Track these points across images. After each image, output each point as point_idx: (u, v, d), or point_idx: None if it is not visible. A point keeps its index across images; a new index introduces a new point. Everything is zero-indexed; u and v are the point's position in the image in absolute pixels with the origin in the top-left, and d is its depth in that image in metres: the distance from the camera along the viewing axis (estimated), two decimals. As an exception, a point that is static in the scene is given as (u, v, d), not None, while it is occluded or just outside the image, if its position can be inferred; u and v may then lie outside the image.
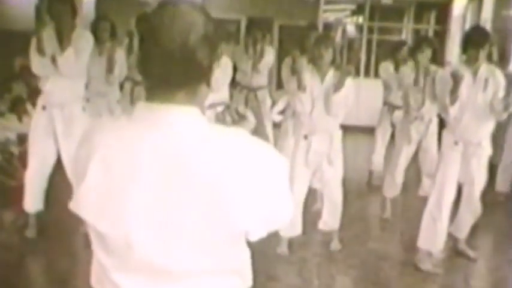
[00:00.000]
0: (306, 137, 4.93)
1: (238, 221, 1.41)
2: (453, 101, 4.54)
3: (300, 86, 4.81)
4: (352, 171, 7.81)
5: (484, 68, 4.64)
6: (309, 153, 4.91)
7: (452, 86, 4.50)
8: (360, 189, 7.19)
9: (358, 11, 12.79)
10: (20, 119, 7.22)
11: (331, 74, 4.80)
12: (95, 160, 1.44)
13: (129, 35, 7.13)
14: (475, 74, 4.62)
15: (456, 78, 4.48)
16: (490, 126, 4.76)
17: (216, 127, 1.50)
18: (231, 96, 7.17)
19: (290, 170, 4.99)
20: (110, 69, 5.78)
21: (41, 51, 4.65)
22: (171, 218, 1.40)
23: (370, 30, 12.61)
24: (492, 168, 6.76)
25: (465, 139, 4.72)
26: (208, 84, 1.52)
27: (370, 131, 7.84)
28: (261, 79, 7.13)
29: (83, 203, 1.46)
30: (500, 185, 7.00)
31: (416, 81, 5.74)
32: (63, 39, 4.71)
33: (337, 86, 4.72)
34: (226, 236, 1.43)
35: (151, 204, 1.39)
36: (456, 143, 4.72)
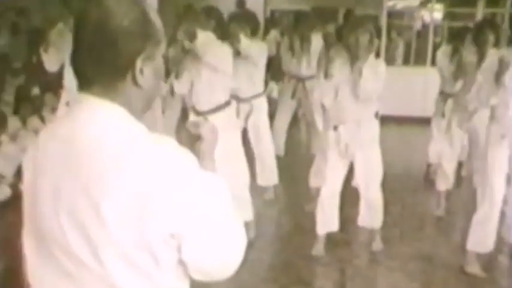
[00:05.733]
0: (335, 127, 4.60)
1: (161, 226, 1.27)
2: (498, 88, 4.13)
3: (326, 74, 4.51)
4: (408, 164, 7.44)
5: None
6: (340, 145, 4.58)
7: (497, 72, 4.10)
8: (415, 184, 6.70)
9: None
10: None
11: (364, 60, 4.45)
12: (25, 162, 1.43)
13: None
14: None
15: (502, 64, 4.08)
16: None
17: (138, 130, 1.33)
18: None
19: (324, 163, 4.77)
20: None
21: (45, 49, 4.69)
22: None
23: (443, 17, 11.95)
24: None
25: None
26: (135, 82, 1.33)
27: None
28: (310, 69, 6.82)
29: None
30: None
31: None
32: None
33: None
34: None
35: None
36: (503, 136, 4.26)
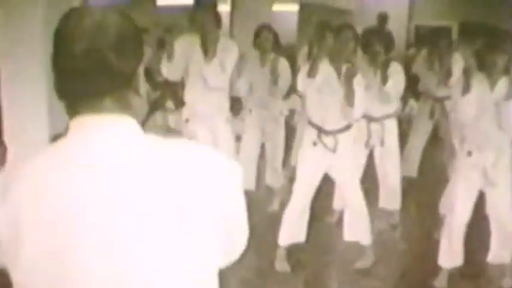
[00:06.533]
0: (469, 153, 4.30)
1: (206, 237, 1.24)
2: None
3: (465, 89, 4.21)
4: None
5: None
6: (472, 172, 4.28)
7: None
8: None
9: None
10: None
11: (503, 82, 4.14)
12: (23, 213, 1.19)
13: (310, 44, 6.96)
14: None
15: None
16: None
17: (154, 137, 1.29)
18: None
19: (451, 190, 4.47)
20: (273, 80, 5.62)
21: (169, 57, 4.65)
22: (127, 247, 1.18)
23: None
24: None
25: None
26: (137, 92, 1.31)
27: None
28: (450, 89, 6.46)
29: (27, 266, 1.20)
30: None
31: None
32: (208, 49, 4.68)
33: (508, 94, 4.07)
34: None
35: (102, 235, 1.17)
36: None
